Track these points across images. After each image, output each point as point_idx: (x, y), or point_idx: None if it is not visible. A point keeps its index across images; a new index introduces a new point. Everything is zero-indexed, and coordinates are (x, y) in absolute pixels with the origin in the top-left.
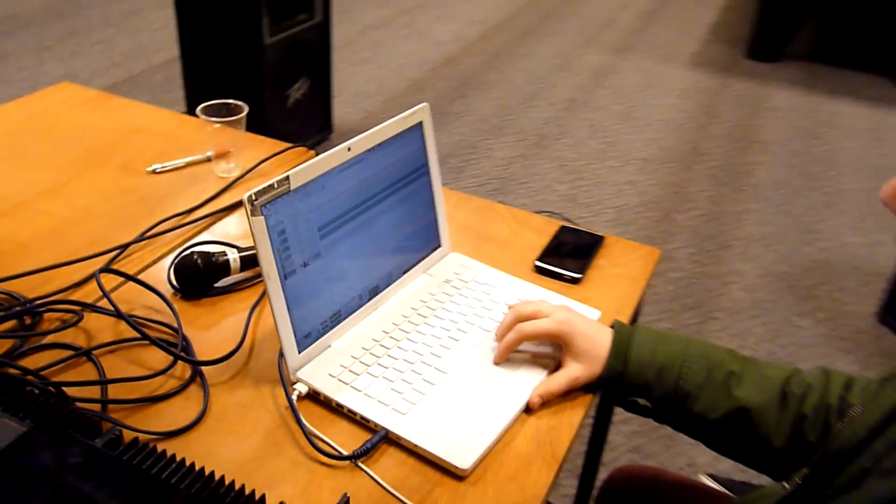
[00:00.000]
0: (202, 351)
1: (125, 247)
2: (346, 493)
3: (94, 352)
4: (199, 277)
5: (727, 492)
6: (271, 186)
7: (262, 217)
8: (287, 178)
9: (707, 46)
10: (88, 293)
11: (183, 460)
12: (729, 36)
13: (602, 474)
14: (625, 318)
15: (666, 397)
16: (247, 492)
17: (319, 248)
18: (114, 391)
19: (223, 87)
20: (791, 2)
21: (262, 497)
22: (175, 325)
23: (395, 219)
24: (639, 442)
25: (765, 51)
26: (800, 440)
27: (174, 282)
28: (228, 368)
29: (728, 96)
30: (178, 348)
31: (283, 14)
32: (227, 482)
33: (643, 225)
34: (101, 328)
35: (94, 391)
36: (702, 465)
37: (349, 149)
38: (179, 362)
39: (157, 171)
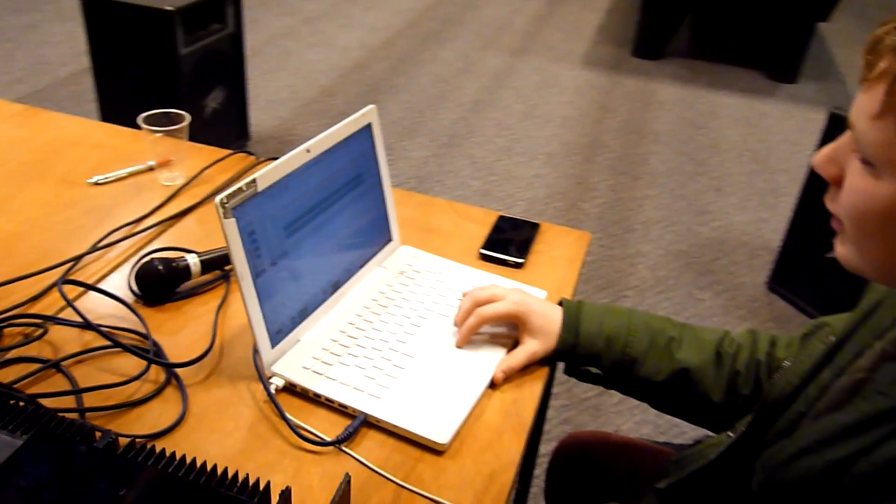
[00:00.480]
0: (172, 354)
1: (79, 258)
2: (347, 473)
3: (62, 363)
4: (162, 283)
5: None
6: (240, 189)
7: (234, 219)
8: (254, 180)
9: (596, 47)
10: (47, 306)
11: (184, 457)
12: (615, 37)
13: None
14: (567, 296)
15: (615, 365)
16: (250, 482)
17: (286, 246)
18: (89, 400)
19: (138, 98)
20: (669, 4)
21: (268, 484)
22: (142, 331)
23: (350, 216)
24: (568, 414)
25: (648, 49)
26: (735, 394)
27: (136, 289)
28: (202, 369)
29: (619, 92)
30: (150, 353)
31: (197, 24)
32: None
33: (553, 214)
34: (66, 340)
35: (69, 402)
36: (625, 431)
37: (308, 150)
38: (153, 366)
39: (100, 182)
